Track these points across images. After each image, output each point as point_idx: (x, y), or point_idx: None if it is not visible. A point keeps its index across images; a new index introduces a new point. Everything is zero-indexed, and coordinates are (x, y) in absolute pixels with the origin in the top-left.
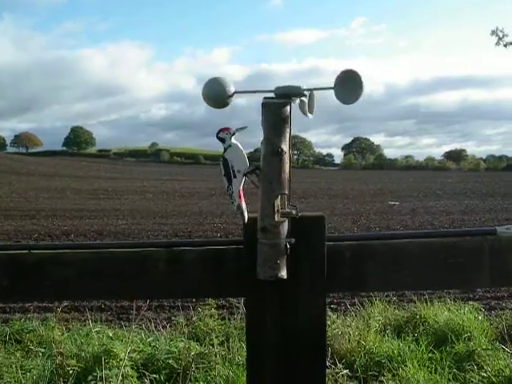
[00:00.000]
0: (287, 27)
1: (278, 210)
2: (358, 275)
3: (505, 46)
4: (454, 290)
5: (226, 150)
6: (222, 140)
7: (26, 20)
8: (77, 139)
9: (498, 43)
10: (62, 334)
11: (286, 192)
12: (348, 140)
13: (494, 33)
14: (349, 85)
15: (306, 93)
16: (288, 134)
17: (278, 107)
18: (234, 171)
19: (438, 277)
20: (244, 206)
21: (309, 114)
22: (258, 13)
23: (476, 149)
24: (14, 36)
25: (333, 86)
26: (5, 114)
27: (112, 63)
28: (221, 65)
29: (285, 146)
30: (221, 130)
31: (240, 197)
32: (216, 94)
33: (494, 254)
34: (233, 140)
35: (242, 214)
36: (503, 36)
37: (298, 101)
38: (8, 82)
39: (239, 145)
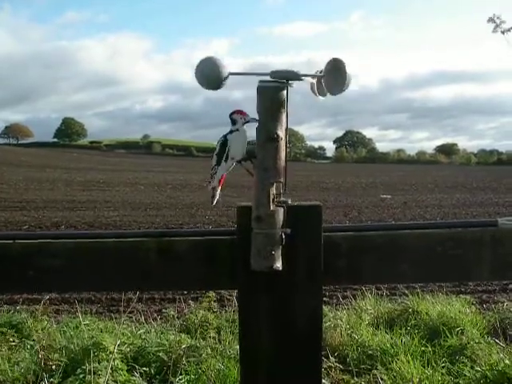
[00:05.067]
0: (287, 20)
1: (273, 199)
2: (354, 267)
3: (502, 32)
4: (452, 282)
5: (231, 131)
6: (233, 121)
7: (25, 11)
8: (68, 130)
9: (495, 30)
10: (45, 327)
11: (282, 180)
12: (341, 133)
13: (491, 20)
14: (334, 75)
15: (302, 78)
16: (284, 120)
17: (273, 91)
18: (227, 155)
19: (436, 269)
20: (218, 191)
21: (320, 97)
22: (258, 5)
23: (467, 143)
24: (12, 27)
25: (322, 74)
26: (0, 104)
27: (111, 54)
28: (219, 56)
29: (281, 132)
30: (236, 112)
31: (220, 181)
32: (210, 74)
33: (494, 245)
34: (243, 126)
35: (213, 196)
36: (500, 23)
37: (294, 84)
38: (5, 72)
39: (246, 134)
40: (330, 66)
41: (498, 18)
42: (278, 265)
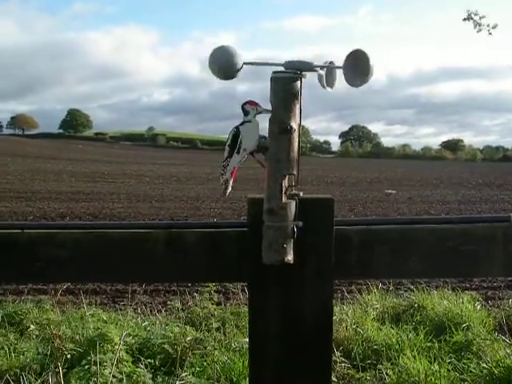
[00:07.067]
0: (294, 14)
1: (285, 191)
2: (365, 261)
3: (490, 33)
4: (464, 278)
5: (243, 123)
6: (246, 112)
7: (34, 2)
8: (73, 122)
9: (478, 29)
10: (56, 317)
11: (295, 172)
12: (347, 128)
13: (468, 18)
14: (357, 66)
15: (316, 68)
16: (298, 111)
17: (287, 82)
18: (240, 147)
19: (448, 265)
20: (231, 183)
21: (328, 88)
22: None
23: (473, 139)
24: (20, 17)
25: (341, 65)
26: (6, 95)
27: (118, 46)
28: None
29: (294, 124)
30: (248, 102)
31: (232, 174)
32: (224, 63)
33: (507, 241)
34: (256, 118)
35: (225, 189)
36: (480, 18)
37: (323, 71)
38: (12, 63)
39: (258, 125)
40: (352, 57)
41: (475, 14)
42: (290, 258)
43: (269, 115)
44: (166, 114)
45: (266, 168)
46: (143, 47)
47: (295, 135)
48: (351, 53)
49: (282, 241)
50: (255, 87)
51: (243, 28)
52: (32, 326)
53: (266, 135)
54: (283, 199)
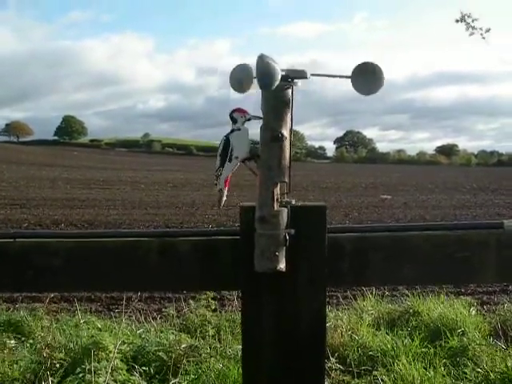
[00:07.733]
0: (290, 20)
1: (277, 199)
2: (359, 269)
3: (483, 37)
4: (459, 285)
5: (233, 131)
6: (234, 120)
7: (31, 10)
8: (68, 129)
9: (471, 33)
10: (50, 325)
11: (286, 180)
12: (342, 133)
13: (461, 20)
14: (368, 76)
15: (308, 76)
16: (289, 119)
17: (278, 89)
18: (231, 155)
19: (442, 271)
20: (225, 192)
21: None
22: (262, 5)
23: (468, 144)
24: (16, 26)
25: (349, 74)
26: (1, 102)
27: (114, 54)
28: (221, 57)
29: (285, 131)
30: (236, 110)
31: (226, 182)
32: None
33: (500, 247)
34: (245, 125)
35: (220, 199)
36: (473, 21)
37: (299, 83)
38: (8, 71)
39: (248, 132)
40: (363, 68)
41: (468, 16)
42: (282, 266)
43: (261, 121)
44: (162, 121)
45: (258, 176)
46: (139, 54)
47: (286, 143)
48: (361, 64)
49: (274, 249)
50: (250, 93)
51: (239, 34)
52: (10, 341)
53: (258, 141)
54: (275, 207)
